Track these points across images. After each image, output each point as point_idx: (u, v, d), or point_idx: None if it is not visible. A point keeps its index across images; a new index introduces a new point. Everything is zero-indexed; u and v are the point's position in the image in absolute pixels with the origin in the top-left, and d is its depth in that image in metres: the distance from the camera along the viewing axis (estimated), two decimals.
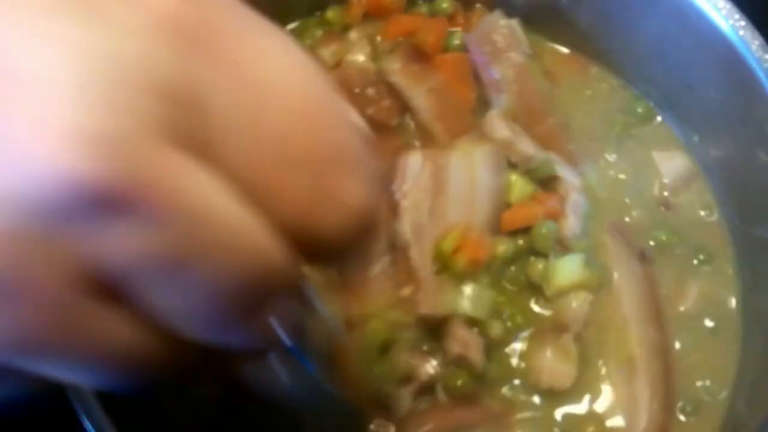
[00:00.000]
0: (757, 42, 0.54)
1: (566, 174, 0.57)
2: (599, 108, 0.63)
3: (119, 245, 0.22)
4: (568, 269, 0.54)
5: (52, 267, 0.22)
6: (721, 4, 0.55)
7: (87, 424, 0.44)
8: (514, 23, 0.62)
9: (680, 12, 0.57)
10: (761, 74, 0.54)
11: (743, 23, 0.54)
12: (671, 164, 0.61)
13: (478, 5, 0.65)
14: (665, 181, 0.60)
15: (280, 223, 0.25)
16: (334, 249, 0.28)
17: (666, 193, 0.60)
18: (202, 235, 0.23)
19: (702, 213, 0.60)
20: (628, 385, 0.54)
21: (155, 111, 0.22)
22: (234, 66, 0.24)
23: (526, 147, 0.57)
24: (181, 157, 0.22)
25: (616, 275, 0.56)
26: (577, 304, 0.54)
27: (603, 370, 0.54)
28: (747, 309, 0.57)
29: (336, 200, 0.27)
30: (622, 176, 0.61)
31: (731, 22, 0.55)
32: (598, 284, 0.55)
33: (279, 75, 0.26)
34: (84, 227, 0.22)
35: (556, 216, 0.56)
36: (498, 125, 0.58)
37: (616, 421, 0.53)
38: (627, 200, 0.60)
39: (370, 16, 0.64)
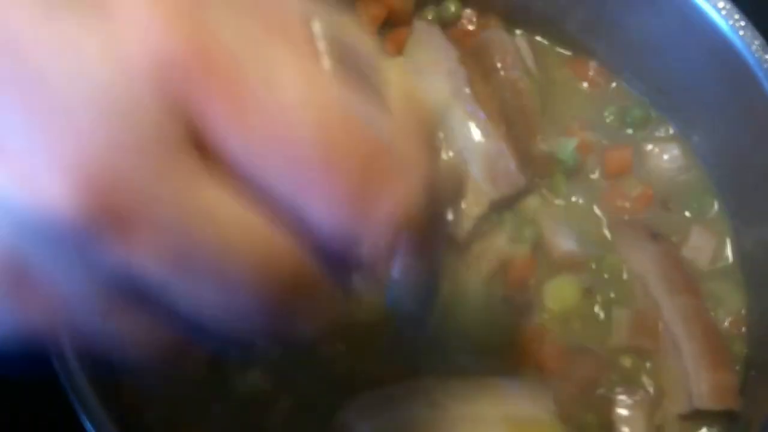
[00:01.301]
0: (757, 42, 0.54)
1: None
2: (598, 108, 0.63)
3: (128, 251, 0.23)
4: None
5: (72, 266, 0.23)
6: (721, 4, 0.55)
7: (87, 425, 0.44)
8: (519, 40, 0.62)
9: (680, 12, 0.57)
10: (761, 74, 0.54)
11: (743, 23, 0.54)
12: (670, 164, 0.61)
13: (492, 18, 0.64)
14: (664, 180, 0.60)
15: (309, 238, 0.25)
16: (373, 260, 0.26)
17: (664, 193, 0.60)
18: (203, 239, 0.23)
19: (701, 212, 0.60)
20: (677, 360, 0.54)
21: (149, 119, 0.22)
22: (238, 78, 0.23)
23: None
24: (181, 164, 0.23)
25: (633, 266, 0.57)
26: None
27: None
28: (749, 311, 0.57)
29: (374, 210, 0.25)
30: (620, 177, 0.60)
31: (731, 22, 0.55)
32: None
33: (290, 85, 0.24)
34: (85, 243, 0.22)
35: None
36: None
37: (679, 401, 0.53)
38: (626, 202, 0.60)
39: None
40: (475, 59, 0.60)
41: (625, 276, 0.57)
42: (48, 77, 0.22)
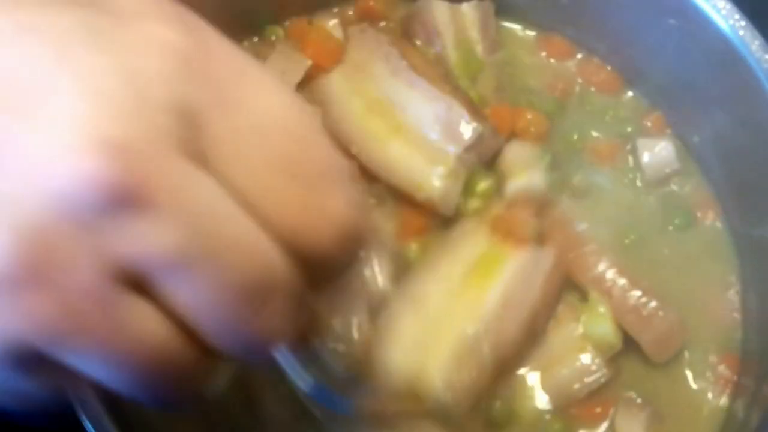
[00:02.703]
0: (757, 42, 0.54)
1: None
2: (597, 109, 0.64)
3: (136, 241, 0.25)
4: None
5: (80, 258, 0.25)
6: (721, 4, 0.55)
7: (86, 424, 0.44)
8: (467, 8, 0.63)
9: (680, 12, 0.57)
10: (761, 74, 0.54)
11: (743, 23, 0.54)
12: (670, 164, 0.61)
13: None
14: (663, 181, 0.61)
15: (278, 233, 0.28)
16: (327, 262, 0.30)
17: (664, 194, 0.60)
18: (207, 232, 0.26)
19: (700, 213, 0.60)
20: None
21: (162, 122, 0.26)
22: (227, 88, 0.28)
23: None
24: (186, 164, 0.26)
25: None
26: None
27: None
28: (748, 314, 0.57)
29: (325, 211, 0.29)
30: (618, 181, 0.61)
31: (731, 22, 0.55)
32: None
33: (269, 102, 0.29)
34: (104, 224, 0.25)
35: None
36: None
37: None
38: (625, 205, 0.60)
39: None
40: (405, 31, 0.63)
41: None
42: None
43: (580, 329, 0.54)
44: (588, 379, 0.53)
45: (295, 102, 0.30)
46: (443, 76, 0.58)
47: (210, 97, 0.27)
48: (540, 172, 0.58)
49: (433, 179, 0.55)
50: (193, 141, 0.27)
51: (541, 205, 0.57)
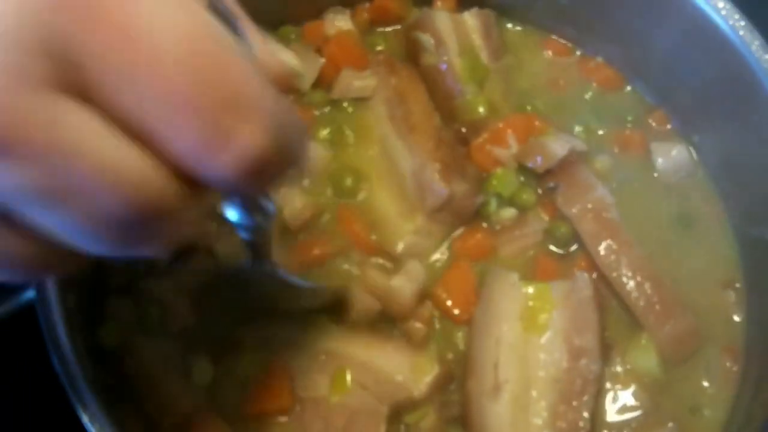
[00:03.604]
0: (757, 42, 0.54)
1: None
2: (600, 106, 0.64)
3: None
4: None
5: None
6: (721, 4, 0.55)
7: (87, 425, 0.44)
8: (468, 16, 0.63)
9: (680, 12, 0.57)
10: (761, 74, 0.54)
11: (743, 23, 0.54)
12: (670, 163, 0.61)
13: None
14: (664, 180, 0.61)
15: (174, 165, 0.27)
16: (235, 189, 0.29)
17: (671, 194, 0.60)
18: (75, 169, 0.25)
19: (701, 213, 0.60)
20: None
21: (24, 57, 0.24)
22: (108, 12, 0.25)
23: None
24: (53, 98, 0.25)
25: None
26: None
27: None
28: (751, 319, 0.57)
29: (228, 145, 0.27)
30: (622, 180, 0.60)
31: (731, 22, 0.55)
32: None
33: (162, 24, 0.26)
34: None
35: None
36: None
37: None
38: (635, 205, 0.59)
39: (375, 23, 0.66)
40: (407, 42, 0.63)
41: None
42: None
43: (622, 364, 0.54)
44: (630, 415, 0.53)
45: (196, 21, 0.26)
46: (434, 129, 0.57)
47: (86, 26, 0.25)
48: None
49: (401, 235, 0.56)
50: (68, 75, 0.25)
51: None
